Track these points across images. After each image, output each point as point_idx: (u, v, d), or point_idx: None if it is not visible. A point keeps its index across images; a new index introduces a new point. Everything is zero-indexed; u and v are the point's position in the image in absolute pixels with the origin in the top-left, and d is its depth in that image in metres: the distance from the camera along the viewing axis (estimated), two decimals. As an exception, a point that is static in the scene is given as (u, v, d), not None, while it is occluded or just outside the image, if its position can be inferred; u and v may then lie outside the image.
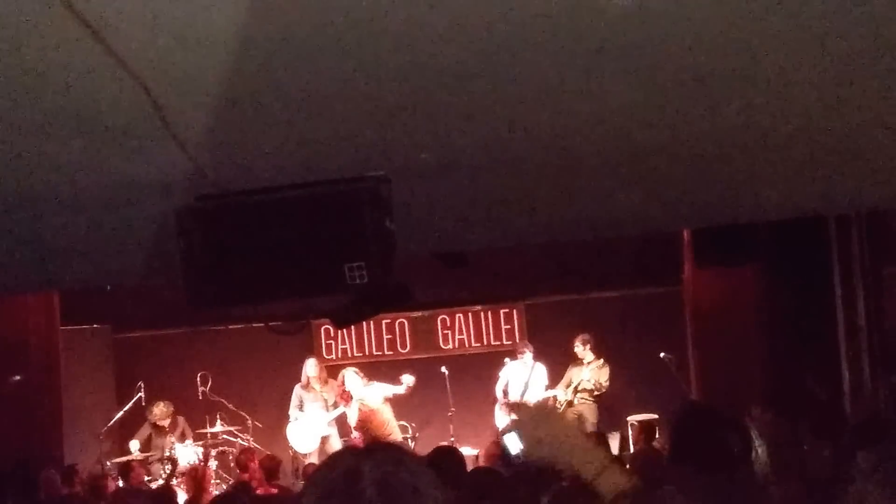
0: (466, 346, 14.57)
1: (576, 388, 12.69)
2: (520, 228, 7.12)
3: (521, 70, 3.51)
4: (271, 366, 13.78)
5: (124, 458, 11.99)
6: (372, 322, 13.82)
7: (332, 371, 13.23)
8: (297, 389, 12.90)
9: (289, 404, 12.87)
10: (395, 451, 1.97)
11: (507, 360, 13.36)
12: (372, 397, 12.48)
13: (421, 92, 3.65)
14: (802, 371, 10.42)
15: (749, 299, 11.85)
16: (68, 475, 10.40)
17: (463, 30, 3.06)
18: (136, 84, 3.15)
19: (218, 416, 12.73)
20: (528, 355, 13.12)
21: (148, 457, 12.15)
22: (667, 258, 12.87)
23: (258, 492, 8.90)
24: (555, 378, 13.03)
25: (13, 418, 11.43)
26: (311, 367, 12.90)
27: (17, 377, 11.75)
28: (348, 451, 2.02)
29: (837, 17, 3.23)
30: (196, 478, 9.87)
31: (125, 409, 12.96)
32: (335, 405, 12.66)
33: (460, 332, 14.62)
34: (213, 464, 12.05)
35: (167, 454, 12.06)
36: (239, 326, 13.64)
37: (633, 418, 12.46)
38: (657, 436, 10.71)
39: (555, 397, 12.88)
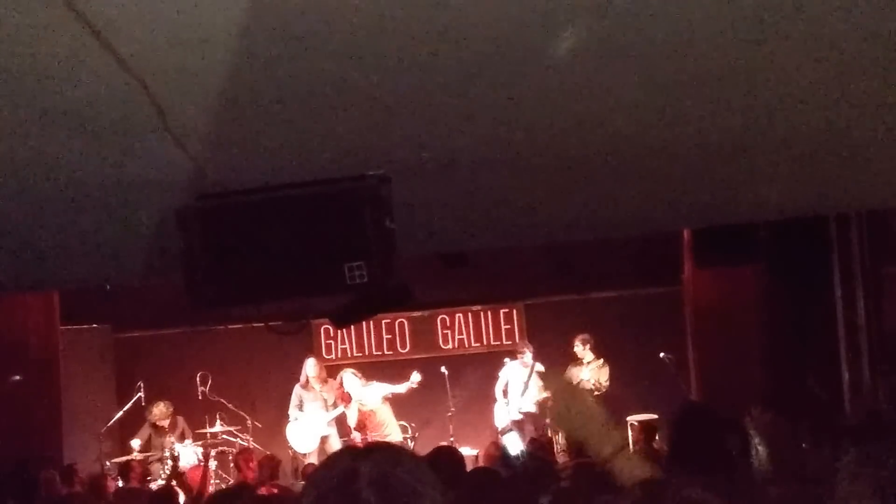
0: (466, 346, 14.55)
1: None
2: (520, 228, 7.11)
3: (521, 70, 3.51)
4: (271, 366, 13.77)
5: (124, 458, 11.98)
6: (372, 322, 13.80)
7: (331, 371, 13.22)
8: (297, 389, 12.89)
9: (288, 404, 12.86)
10: (392, 452, 1.97)
11: (506, 360, 13.35)
12: (371, 398, 12.47)
13: (421, 92, 3.65)
14: (802, 371, 10.42)
15: (749, 299, 11.85)
16: (67, 475, 10.40)
17: (463, 30, 3.06)
18: (136, 83, 3.15)
19: (217, 416, 12.72)
20: (527, 355, 13.11)
21: (148, 457, 12.14)
22: (667, 258, 12.86)
23: (260, 491, 8.89)
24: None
25: (13, 418, 11.43)
26: (310, 367, 12.89)
27: (17, 377, 11.75)
28: (346, 451, 2.01)
29: (837, 17, 3.24)
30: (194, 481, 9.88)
31: (125, 409, 12.95)
32: (335, 405, 12.65)
33: (460, 332, 14.61)
34: (212, 464, 12.04)
35: (167, 454, 12.05)
36: (239, 326, 13.63)
37: (633, 418, 12.44)
38: (657, 436, 10.70)
39: (555, 397, 12.88)
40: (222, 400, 13.06)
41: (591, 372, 12.60)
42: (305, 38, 3.04)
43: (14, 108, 3.44)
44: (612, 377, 12.69)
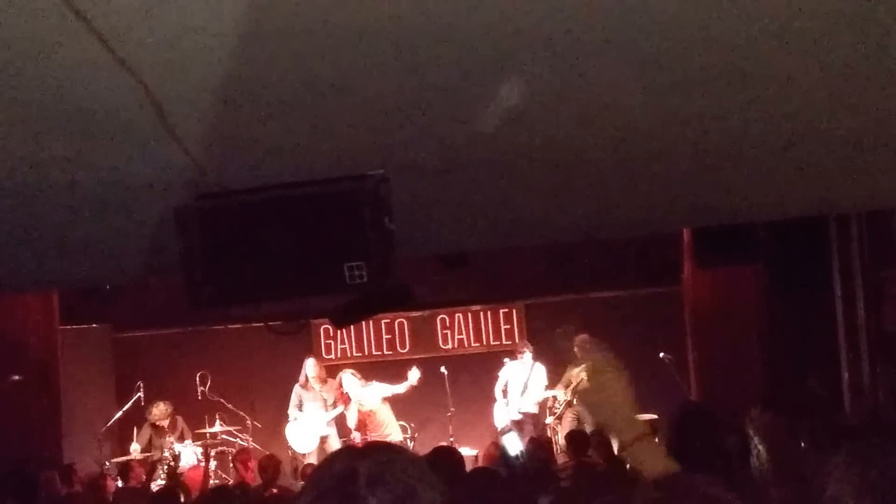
0: (466, 346, 14.56)
1: (575, 388, 12.66)
2: (519, 228, 7.11)
3: (521, 70, 3.51)
4: (271, 366, 13.77)
5: (124, 458, 11.98)
6: (371, 322, 13.81)
7: (331, 371, 13.23)
8: (297, 389, 12.89)
9: (288, 404, 12.86)
10: (391, 451, 1.97)
11: (506, 360, 13.35)
12: (370, 398, 12.47)
13: (421, 92, 3.65)
14: (802, 371, 10.41)
15: (749, 299, 11.84)
16: (67, 475, 10.39)
17: (463, 29, 3.06)
18: (135, 82, 3.15)
19: (217, 416, 12.72)
20: (527, 355, 13.11)
21: (148, 457, 12.14)
22: (666, 258, 12.86)
23: (265, 495, 8.89)
24: (555, 378, 13.02)
25: (12, 418, 11.42)
26: (310, 367, 12.89)
27: (16, 377, 11.74)
28: (345, 451, 2.01)
29: (838, 17, 3.23)
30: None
31: (124, 409, 12.95)
32: (334, 405, 12.65)
33: (460, 332, 14.61)
34: (212, 464, 12.04)
35: (166, 454, 12.05)
36: (238, 326, 13.64)
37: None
38: (657, 436, 10.67)
39: (554, 397, 12.87)
40: (222, 400, 13.06)
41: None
42: (305, 38, 3.04)
43: (13, 108, 3.43)
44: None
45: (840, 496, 2.21)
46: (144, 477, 11.35)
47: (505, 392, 13.12)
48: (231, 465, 11.60)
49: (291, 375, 13.06)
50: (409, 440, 12.60)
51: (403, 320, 14.48)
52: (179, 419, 12.60)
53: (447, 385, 13.12)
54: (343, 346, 14.63)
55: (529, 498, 5.76)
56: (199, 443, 12.38)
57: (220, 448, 12.56)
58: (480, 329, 14.59)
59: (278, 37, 3.02)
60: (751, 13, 3.14)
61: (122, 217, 5.27)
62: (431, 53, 3.26)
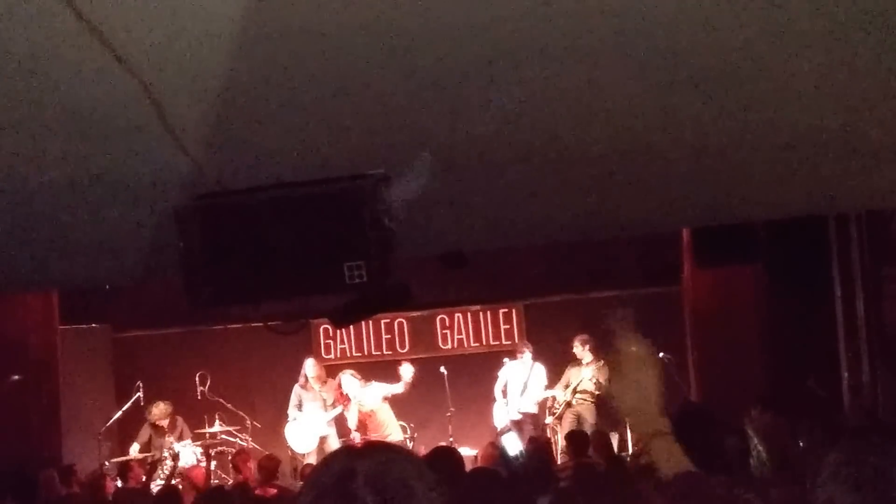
0: (465, 346, 14.55)
1: (574, 388, 12.67)
2: (519, 228, 7.11)
3: (520, 69, 3.51)
4: (270, 365, 13.76)
5: (123, 458, 11.98)
6: (371, 322, 13.79)
7: (331, 371, 13.21)
8: (297, 389, 12.88)
9: (287, 404, 12.86)
10: (389, 451, 1.96)
11: (506, 360, 13.34)
12: (370, 398, 12.46)
13: (420, 91, 3.65)
14: (802, 371, 10.41)
15: (748, 299, 11.84)
16: (66, 475, 10.39)
17: (464, 29, 3.05)
18: (135, 83, 3.14)
19: (217, 416, 12.71)
20: (527, 355, 13.11)
21: (147, 457, 12.14)
22: (666, 258, 12.85)
23: (256, 492, 8.88)
24: (554, 378, 13.02)
25: (11, 418, 11.42)
26: (309, 367, 12.88)
27: (16, 377, 11.74)
28: (343, 450, 2.01)
29: (838, 17, 3.23)
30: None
31: (124, 408, 12.94)
32: (334, 405, 12.64)
33: (459, 332, 14.60)
34: (211, 464, 12.03)
35: (166, 454, 12.04)
36: (238, 326, 13.63)
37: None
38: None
39: (553, 398, 12.87)
40: (221, 400, 13.05)
41: (590, 372, 12.58)
42: (304, 38, 3.04)
43: (13, 108, 3.43)
44: (610, 377, 12.67)
45: (834, 495, 2.21)
46: (144, 477, 11.34)
47: (504, 392, 13.11)
48: (230, 465, 11.59)
49: (291, 375, 13.05)
50: (408, 440, 12.58)
51: (403, 320, 14.47)
52: (179, 419, 12.60)
53: (447, 385, 13.11)
54: (342, 346, 14.62)
55: (529, 498, 5.75)
56: (199, 443, 12.37)
57: (219, 448, 12.55)
58: (480, 329, 14.58)
59: (278, 37, 3.02)
60: (751, 13, 3.14)
61: (122, 217, 5.27)
62: (431, 54, 3.26)
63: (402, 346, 14.56)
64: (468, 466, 7.15)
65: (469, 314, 14.59)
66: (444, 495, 1.88)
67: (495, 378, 13.22)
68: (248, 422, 13.00)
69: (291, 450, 12.76)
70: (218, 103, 3.54)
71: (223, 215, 4.47)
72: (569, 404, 12.66)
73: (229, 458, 11.91)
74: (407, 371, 12.50)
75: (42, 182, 4.46)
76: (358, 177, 4.37)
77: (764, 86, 3.91)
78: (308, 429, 12.62)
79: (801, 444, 7.63)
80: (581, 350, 12.72)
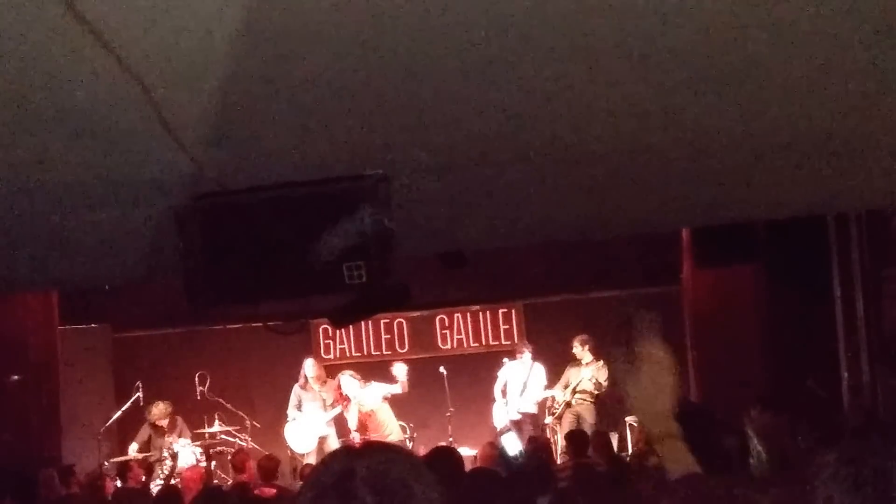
0: (465, 346, 14.56)
1: (574, 388, 12.67)
2: (518, 228, 7.10)
3: (520, 69, 3.50)
4: (270, 366, 13.77)
5: (122, 458, 11.98)
6: (370, 322, 13.80)
7: (330, 371, 13.22)
8: (296, 389, 12.88)
9: (287, 404, 12.85)
10: (389, 451, 1.96)
11: (505, 360, 13.35)
12: (370, 398, 12.46)
13: (420, 91, 3.65)
14: (801, 371, 10.41)
15: (748, 299, 11.85)
16: (65, 476, 10.39)
17: (463, 28, 3.05)
18: (134, 83, 3.14)
19: (216, 416, 12.71)
20: (526, 355, 13.11)
21: (147, 457, 12.14)
22: (666, 258, 12.86)
23: (256, 492, 8.88)
24: (554, 378, 13.02)
25: (11, 418, 11.42)
26: (309, 367, 12.88)
27: (16, 377, 11.74)
28: (342, 450, 2.01)
29: (838, 17, 3.23)
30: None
31: (123, 408, 12.94)
32: (333, 405, 12.64)
33: (459, 332, 14.61)
34: (211, 464, 12.03)
35: (166, 454, 12.05)
36: (237, 326, 13.63)
37: (632, 419, 12.44)
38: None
39: (553, 398, 12.87)
40: (221, 400, 13.06)
41: (591, 372, 12.59)
42: (303, 37, 3.03)
43: (12, 108, 3.43)
44: (610, 377, 12.67)
45: (834, 495, 2.22)
46: (144, 478, 11.34)
47: (504, 392, 13.11)
48: (230, 465, 11.60)
49: (290, 375, 13.05)
50: (408, 440, 12.59)
51: (402, 320, 14.47)
52: (179, 419, 12.60)
53: (446, 385, 13.12)
54: (342, 346, 14.63)
55: (528, 498, 5.76)
56: (199, 443, 12.37)
57: (219, 448, 12.55)
58: (479, 329, 14.59)
59: (278, 37, 3.02)
60: (751, 14, 3.14)
61: (122, 217, 5.26)
62: (431, 54, 3.26)
63: (402, 347, 14.57)
64: (468, 466, 7.15)
65: (468, 314, 14.60)
66: (444, 495, 1.88)
67: (495, 378, 13.22)
68: (248, 422, 13.01)
69: (291, 450, 12.77)
70: (218, 103, 3.53)
71: (223, 215, 4.46)
72: (568, 404, 12.66)
73: (229, 458, 11.92)
74: (400, 370, 12.50)
75: (42, 182, 4.46)
76: (357, 177, 4.37)
77: (764, 86, 3.91)
78: (307, 429, 12.62)
79: (800, 444, 7.63)
80: (580, 350, 12.73)
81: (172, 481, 11.19)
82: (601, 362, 12.66)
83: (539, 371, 13.06)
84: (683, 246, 12.14)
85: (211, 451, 12.23)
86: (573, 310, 13.87)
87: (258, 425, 13.19)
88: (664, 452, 2.85)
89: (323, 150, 4.30)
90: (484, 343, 14.55)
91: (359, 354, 14.56)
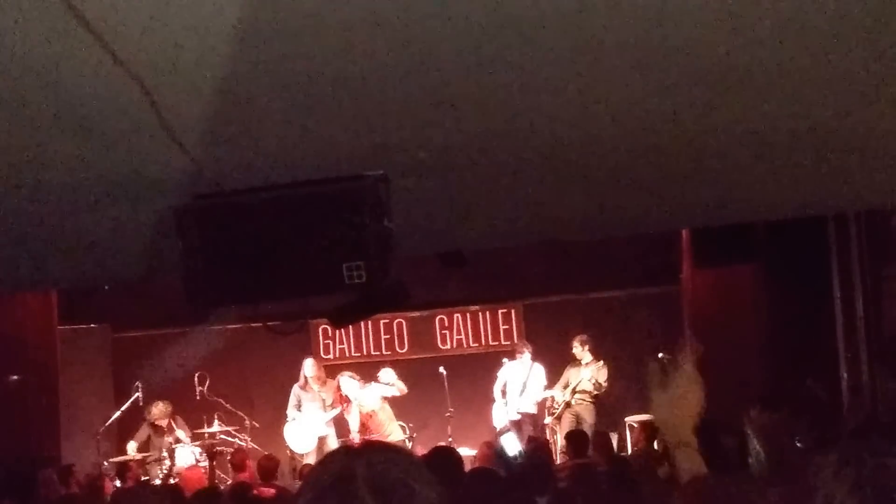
0: (464, 346, 14.54)
1: (573, 388, 12.67)
2: (518, 228, 7.11)
3: (519, 70, 3.50)
4: (269, 365, 13.76)
5: (121, 458, 11.97)
6: (370, 322, 13.78)
7: (330, 371, 13.21)
8: (296, 389, 12.87)
9: (286, 404, 12.85)
10: (388, 451, 1.95)
11: (505, 360, 13.34)
12: (369, 399, 12.45)
13: (419, 91, 3.64)
14: (801, 371, 10.41)
15: (747, 299, 11.84)
16: (64, 476, 10.38)
17: (463, 28, 3.05)
18: (133, 83, 3.14)
19: (216, 416, 12.70)
20: (526, 355, 13.10)
21: (146, 457, 12.13)
22: (665, 258, 12.85)
23: (255, 492, 8.88)
24: (553, 378, 13.01)
25: (11, 418, 11.41)
26: (309, 367, 12.87)
27: (15, 377, 11.73)
28: (342, 450, 1.99)
29: (838, 17, 3.23)
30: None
31: (123, 408, 12.93)
32: (333, 405, 12.63)
33: (458, 333, 14.60)
34: (211, 464, 12.03)
35: (165, 454, 12.04)
36: (237, 326, 13.60)
37: (633, 419, 12.45)
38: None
39: (553, 398, 12.87)
40: (220, 400, 13.04)
41: (591, 372, 12.58)
42: (303, 37, 3.03)
43: (11, 108, 3.43)
44: (610, 377, 12.67)
45: (834, 495, 2.22)
46: (143, 478, 11.34)
47: (504, 392, 13.10)
48: (229, 465, 11.59)
49: (290, 375, 13.04)
50: (407, 440, 12.58)
51: (402, 320, 14.46)
52: (178, 419, 12.59)
53: (446, 385, 13.10)
54: (342, 346, 14.62)
55: (527, 499, 5.76)
56: (198, 443, 12.37)
57: (218, 448, 12.54)
58: (479, 329, 14.57)
59: (276, 37, 3.02)
60: (751, 14, 3.14)
61: (121, 217, 5.26)
62: (431, 53, 3.26)
63: (401, 347, 14.56)
64: (467, 467, 7.15)
65: (468, 314, 14.59)
66: (444, 496, 1.88)
67: (494, 378, 13.21)
68: (248, 422, 13.00)
69: (290, 450, 12.75)
70: (217, 103, 3.53)
71: (222, 215, 4.46)
72: (568, 404, 12.65)
73: (228, 458, 11.91)
74: (388, 375, 12.49)
75: (42, 182, 4.46)
76: (357, 177, 4.37)
77: (764, 86, 3.91)
78: (307, 429, 12.61)
79: (799, 444, 7.62)
80: (580, 350, 12.72)
81: (171, 481, 11.18)
82: (601, 362, 12.66)
83: (538, 371, 13.05)
84: (683, 246, 12.14)
85: (210, 451, 12.22)
86: (573, 310, 13.86)
87: (258, 425, 13.18)
88: (679, 460, 2.89)
89: (322, 150, 4.29)
90: (483, 343, 14.54)
91: (358, 354, 14.55)
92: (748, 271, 11.55)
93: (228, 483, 11.11)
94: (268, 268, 4.38)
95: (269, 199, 4.43)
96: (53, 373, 12.50)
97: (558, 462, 10.43)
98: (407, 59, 3.28)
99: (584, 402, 12.63)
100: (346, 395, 12.44)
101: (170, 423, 12.39)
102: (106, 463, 12.21)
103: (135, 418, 12.75)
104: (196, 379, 13.14)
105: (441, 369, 13.21)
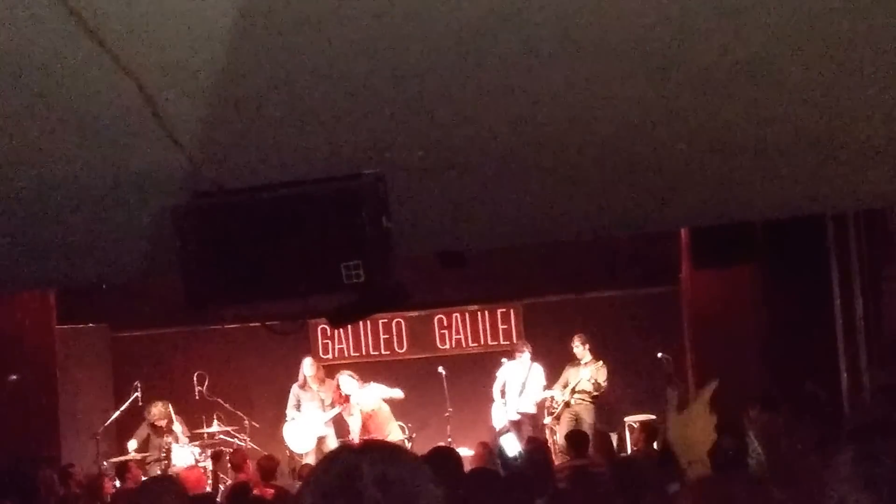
0: (463, 346, 14.53)
1: (573, 388, 12.66)
2: (517, 228, 7.10)
3: (519, 69, 3.50)
4: (268, 365, 13.75)
5: (121, 458, 11.96)
6: (368, 322, 13.78)
7: (329, 371, 13.20)
8: (295, 389, 12.87)
9: (286, 404, 12.84)
10: (393, 450, 1.95)
11: (504, 360, 13.33)
12: (369, 398, 12.44)
13: (417, 90, 3.64)
14: (800, 372, 10.40)
15: (747, 299, 11.84)
16: (64, 475, 10.38)
17: (462, 27, 3.04)
18: (131, 82, 3.13)
19: (215, 416, 12.70)
20: (525, 355, 13.09)
21: (145, 457, 12.12)
22: (664, 258, 12.85)
23: (255, 492, 8.88)
24: (552, 378, 13.01)
25: (10, 418, 11.41)
26: (308, 367, 12.86)
27: (14, 377, 11.73)
28: (345, 450, 1.98)
29: (838, 18, 3.23)
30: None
31: (122, 408, 12.93)
32: (332, 405, 12.62)
33: (457, 332, 14.59)
34: (209, 464, 12.02)
35: (164, 454, 12.03)
36: (236, 326, 13.61)
37: (633, 419, 12.45)
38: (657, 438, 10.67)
39: (552, 398, 12.86)
40: (219, 400, 13.04)
41: (589, 372, 12.58)
42: (301, 37, 3.03)
43: (9, 107, 3.42)
44: (609, 377, 12.67)
45: (847, 495, 2.21)
46: (142, 477, 11.32)
47: (503, 392, 13.09)
48: (228, 465, 11.58)
49: (289, 375, 13.04)
50: (407, 440, 12.57)
51: (401, 320, 14.45)
52: (178, 419, 12.58)
53: (445, 385, 13.10)
54: (340, 346, 14.60)
55: (527, 499, 5.75)
56: (198, 443, 12.36)
57: (218, 448, 12.53)
58: (478, 329, 14.56)
59: (275, 37, 3.01)
60: (751, 15, 3.13)
61: (120, 216, 5.26)
62: (430, 53, 3.25)
63: (400, 346, 14.55)
64: (467, 467, 7.13)
65: (467, 314, 14.58)
66: (446, 495, 1.87)
67: (493, 378, 13.20)
68: (247, 422, 12.99)
69: (290, 450, 12.75)
70: (215, 103, 3.53)
71: (220, 215, 4.45)
72: (567, 404, 12.65)
73: (227, 458, 11.90)
74: (379, 389, 12.47)
75: (40, 182, 4.45)
76: (355, 176, 4.36)
77: (764, 86, 3.91)
78: (306, 429, 12.60)
79: (799, 444, 7.62)
80: (581, 349, 12.72)
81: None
82: (600, 362, 12.66)
83: (538, 371, 13.04)
84: (681, 246, 12.14)
85: (209, 451, 12.21)
86: (572, 310, 13.85)
87: (257, 425, 13.18)
88: (689, 475, 2.95)
89: (321, 149, 4.29)
90: (483, 343, 14.52)
91: (357, 354, 14.54)
92: (747, 271, 11.54)
93: (228, 483, 11.11)
94: (266, 267, 4.37)
95: (268, 199, 4.42)
96: (52, 373, 12.49)
97: (557, 462, 10.42)
98: (407, 58, 3.28)
99: (584, 402, 12.63)
100: (345, 395, 12.43)
101: (169, 423, 12.38)
102: (105, 463, 12.20)
103: (134, 418, 12.75)
104: (195, 379, 13.14)
105: (440, 369, 13.20)
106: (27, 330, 12.15)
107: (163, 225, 4.66)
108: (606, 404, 12.89)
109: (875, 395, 9.74)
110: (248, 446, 12.43)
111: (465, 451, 10.50)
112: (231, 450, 12.04)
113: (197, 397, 13.08)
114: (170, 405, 12.44)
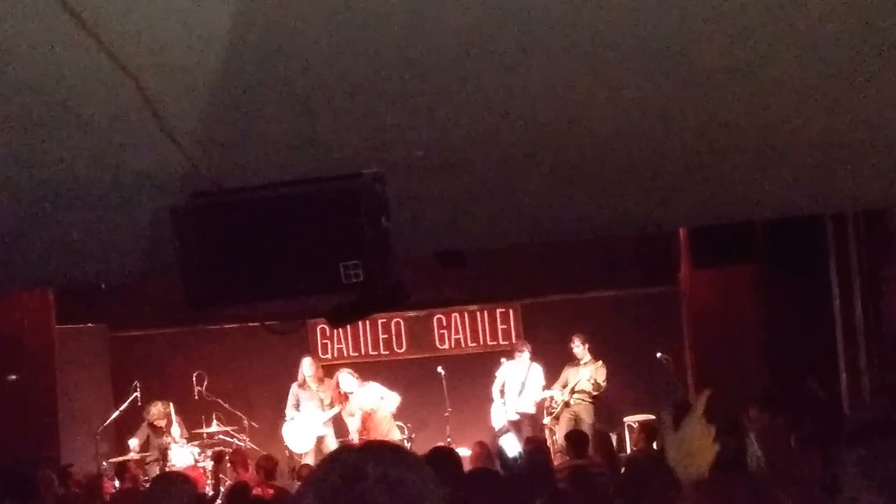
0: (463, 346, 14.52)
1: (572, 388, 12.66)
2: (516, 228, 7.10)
3: (518, 69, 3.49)
4: (267, 365, 13.74)
5: (121, 458, 11.96)
6: (368, 321, 13.77)
7: (328, 370, 13.19)
8: (294, 389, 12.86)
9: (285, 404, 12.83)
10: (395, 450, 1.95)
11: (503, 360, 13.33)
12: (369, 398, 12.44)
13: (417, 89, 3.63)
14: (800, 371, 10.40)
15: (746, 299, 11.84)
16: (63, 476, 10.37)
17: (463, 27, 3.04)
18: (130, 81, 3.13)
19: (214, 416, 12.70)
20: (524, 355, 13.08)
21: (145, 457, 12.12)
22: (663, 258, 12.85)
23: (255, 492, 8.87)
24: (552, 378, 13.00)
25: (9, 418, 11.41)
26: (307, 367, 12.85)
27: (13, 377, 11.72)
28: (347, 450, 1.97)
29: (838, 18, 3.22)
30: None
31: (121, 408, 12.92)
32: (332, 405, 12.61)
33: (457, 332, 14.58)
34: (208, 464, 12.02)
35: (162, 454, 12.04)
36: (235, 326, 13.60)
37: (632, 419, 12.44)
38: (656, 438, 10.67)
39: (551, 398, 12.86)
40: (219, 400, 13.03)
41: (588, 372, 12.58)
42: (300, 36, 3.02)
43: (7, 107, 3.42)
44: (609, 377, 12.67)
45: (857, 494, 2.21)
46: (141, 477, 11.32)
47: (502, 392, 13.09)
48: (228, 464, 11.58)
49: (288, 375, 13.03)
50: (406, 440, 12.56)
51: (400, 320, 14.45)
52: (177, 419, 12.58)
53: (444, 385, 13.09)
54: (340, 346, 14.60)
55: (527, 499, 5.75)
56: (197, 443, 12.36)
57: (217, 448, 12.53)
58: (478, 329, 14.55)
59: (274, 36, 3.01)
60: (751, 15, 3.13)
61: (119, 216, 5.26)
62: (431, 53, 3.25)
63: (399, 346, 14.54)
64: (466, 467, 7.13)
65: (466, 314, 14.57)
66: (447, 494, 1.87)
67: (493, 378, 13.20)
68: (246, 422, 12.98)
69: (289, 450, 12.74)
70: (214, 102, 3.52)
71: (219, 214, 4.44)
72: (566, 404, 12.64)
73: (227, 458, 11.90)
74: (377, 389, 12.46)
75: (40, 182, 4.45)
76: (354, 175, 4.35)
77: (764, 86, 3.90)
78: (305, 429, 12.59)
79: (798, 444, 7.63)
80: (580, 349, 12.72)
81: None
82: (600, 362, 12.65)
83: (537, 371, 13.04)
84: (680, 246, 12.14)
85: (208, 451, 12.21)
86: (571, 310, 13.84)
87: (256, 425, 13.17)
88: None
89: (320, 148, 4.28)
90: (482, 343, 14.52)
91: (356, 354, 14.53)
92: (746, 271, 11.54)
93: (227, 483, 11.10)
94: (265, 267, 4.37)
95: (266, 198, 4.41)
96: (51, 372, 12.48)
97: (556, 462, 10.41)
98: (406, 58, 3.27)
99: (583, 402, 12.63)
100: (345, 392, 12.42)
101: (168, 423, 12.38)
102: (105, 463, 12.20)
103: (133, 418, 12.74)
104: (194, 378, 13.13)
105: (439, 369, 13.20)
106: (26, 330, 12.14)
107: (162, 225, 4.66)
108: (606, 404, 12.88)
109: (875, 395, 9.73)
110: (248, 446, 12.42)
111: (465, 452, 10.49)
112: (230, 450, 12.04)
113: (196, 397, 13.07)
114: (170, 405, 12.45)
